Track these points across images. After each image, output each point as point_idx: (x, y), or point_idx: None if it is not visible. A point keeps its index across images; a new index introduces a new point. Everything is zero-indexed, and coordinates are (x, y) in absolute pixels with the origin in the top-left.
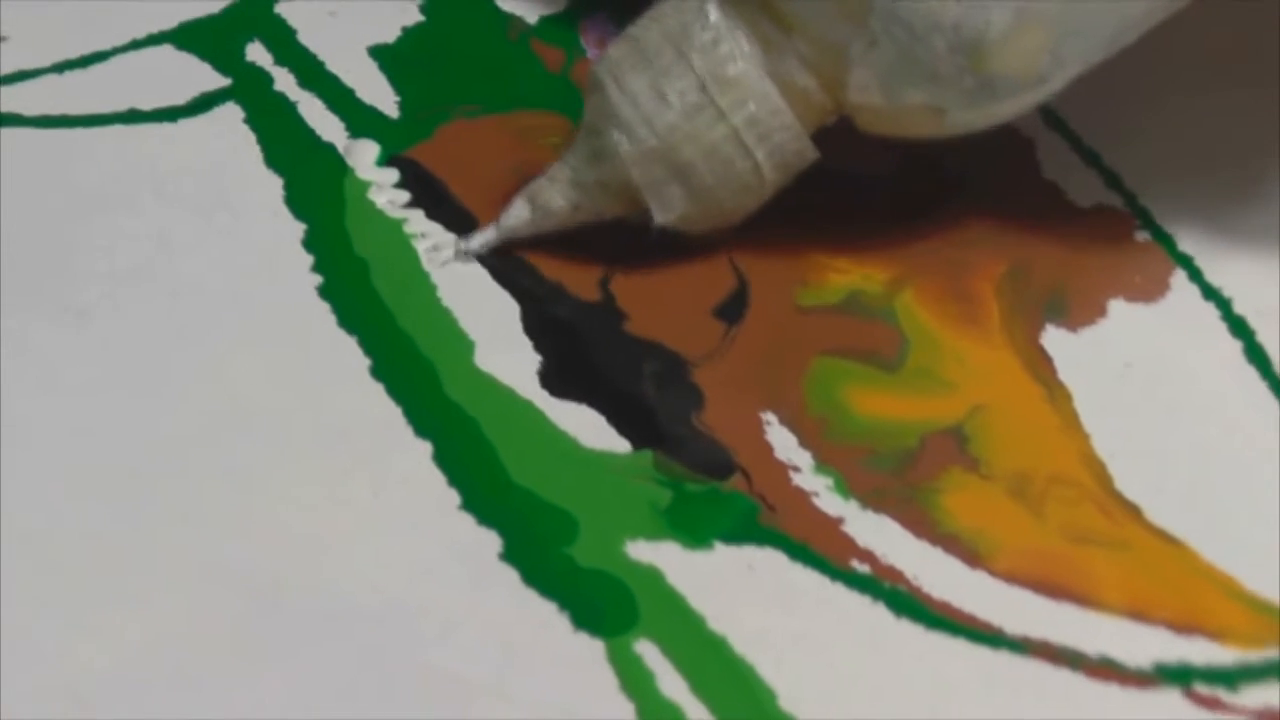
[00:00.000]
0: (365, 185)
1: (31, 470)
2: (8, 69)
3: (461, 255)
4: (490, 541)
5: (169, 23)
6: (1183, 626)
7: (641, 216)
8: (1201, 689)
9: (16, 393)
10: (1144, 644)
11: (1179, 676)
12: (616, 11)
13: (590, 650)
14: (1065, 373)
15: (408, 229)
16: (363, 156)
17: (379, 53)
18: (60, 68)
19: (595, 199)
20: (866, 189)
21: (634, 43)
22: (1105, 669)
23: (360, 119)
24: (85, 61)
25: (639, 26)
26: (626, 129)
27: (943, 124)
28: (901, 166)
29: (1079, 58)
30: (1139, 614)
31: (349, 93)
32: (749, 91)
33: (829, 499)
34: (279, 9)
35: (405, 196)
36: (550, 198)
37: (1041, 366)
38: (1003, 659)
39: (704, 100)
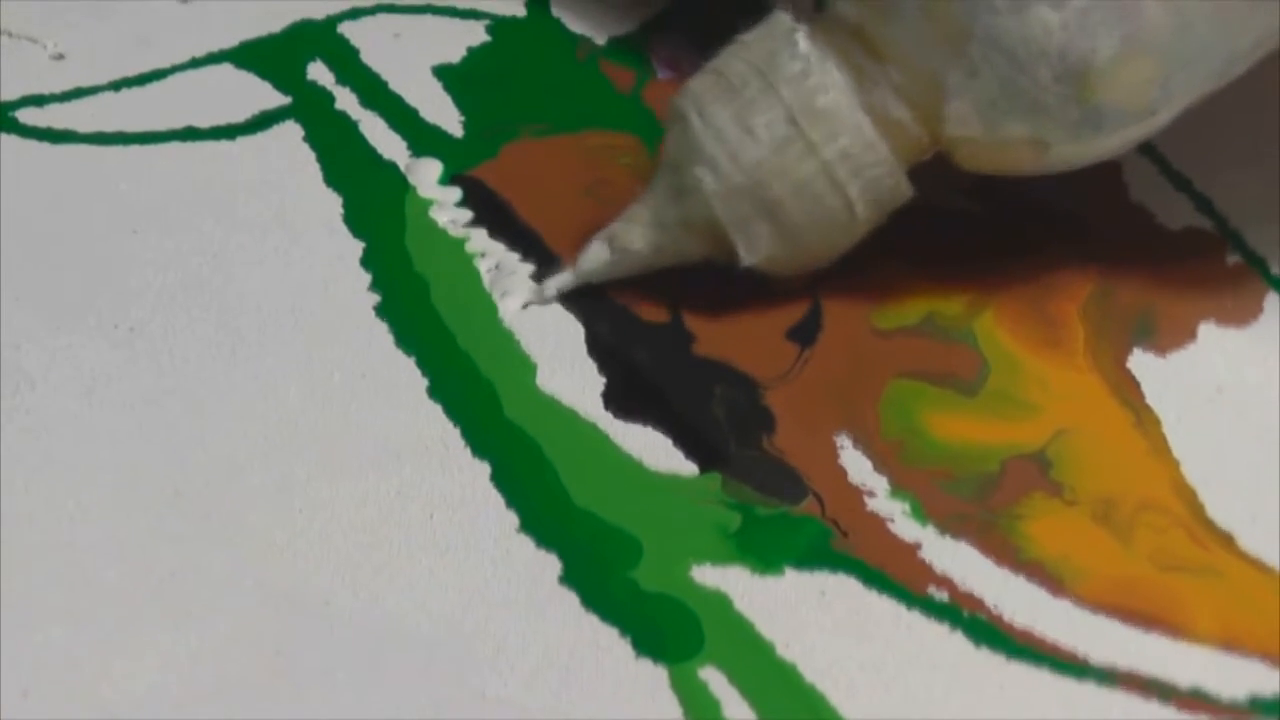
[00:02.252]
0: (427, 204)
1: (80, 486)
2: (65, 86)
3: (539, 299)
4: (549, 564)
5: (229, 42)
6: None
7: (727, 258)
8: None
9: (68, 407)
10: (1238, 675)
11: (1275, 709)
12: (689, 33)
13: (653, 677)
14: (1154, 397)
15: (469, 248)
16: (425, 175)
17: (444, 73)
18: (117, 85)
19: (678, 239)
20: (945, 208)
21: (718, 74)
22: (1197, 701)
23: (423, 138)
24: (143, 80)
25: (722, 58)
26: (711, 164)
27: (1045, 158)
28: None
29: (1188, 89)
30: (1232, 644)
31: (412, 112)
32: (841, 124)
33: (905, 524)
34: (342, 29)
35: (468, 215)
36: (630, 239)
37: (1129, 390)
38: (1088, 690)
39: (793, 133)
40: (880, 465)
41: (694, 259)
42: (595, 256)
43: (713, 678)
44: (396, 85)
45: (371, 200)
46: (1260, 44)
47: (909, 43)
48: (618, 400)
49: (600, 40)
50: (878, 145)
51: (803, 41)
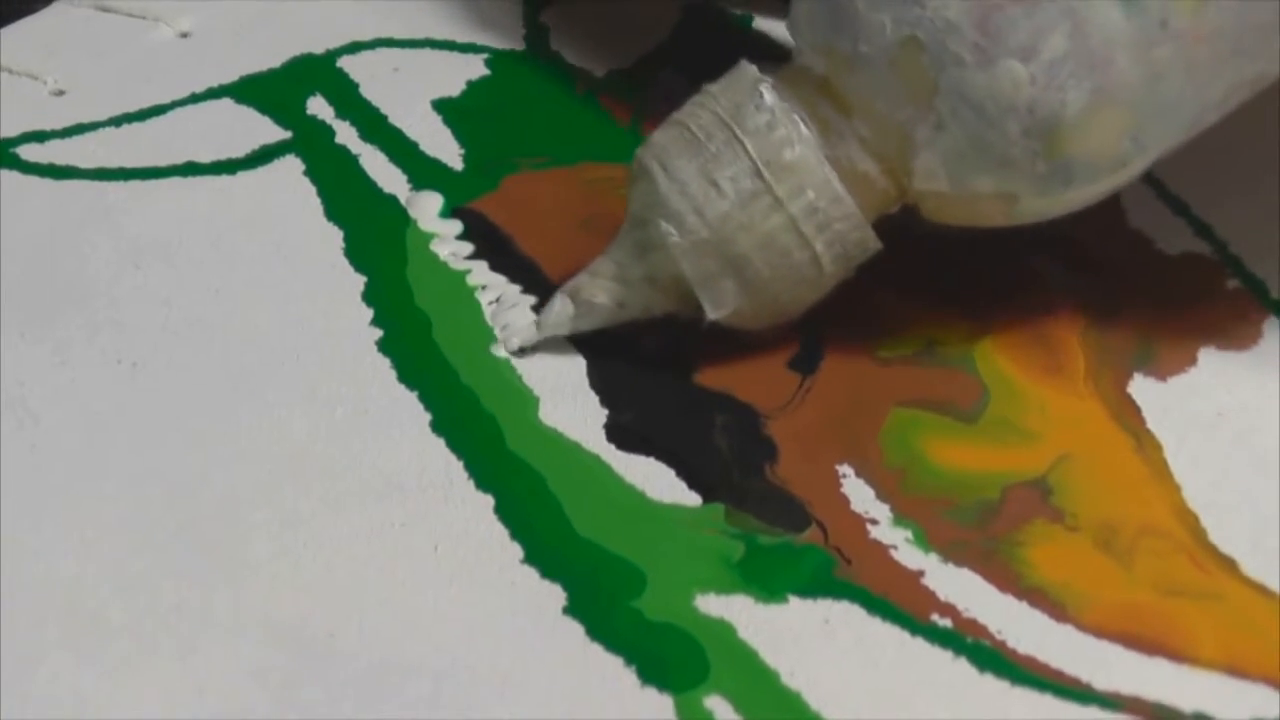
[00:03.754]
0: (428, 237)
1: (85, 521)
2: (66, 122)
3: (505, 349)
4: (554, 595)
5: (229, 76)
6: None
7: (692, 312)
8: None
9: (72, 442)
10: (1241, 699)
11: None
12: (687, 66)
13: (658, 706)
14: (1155, 422)
15: (471, 281)
16: (426, 208)
17: (443, 106)
18: (118, 121)
19: (642, 295)
20: (944, 236)
21: (682, 127)
22: None
23: (423, 171)
24: (144, 115)
25: (687, 109)
26: (675, 219)
27: (1014, 212)
28: None
29: (1160, 140)
30: (1236, 669)
31: (412, 145)
32: (807, 178)
33: (908, 552)
34: (341, 63)
35: (469, 248)
36: (594, 294)
37: (1130, 416)
38: (1092, 716)
39: (759, 187)
40: (882, 494)
41: (659, 314)
42: (559, 312)
43: (718, 706)
44: (396, 119)
45: (372, 234)
46: (1232, 93)
47: (876, 95)
48: (620, 432)
49: (599, 73)
50: (844, 199)
51: (768, 94)
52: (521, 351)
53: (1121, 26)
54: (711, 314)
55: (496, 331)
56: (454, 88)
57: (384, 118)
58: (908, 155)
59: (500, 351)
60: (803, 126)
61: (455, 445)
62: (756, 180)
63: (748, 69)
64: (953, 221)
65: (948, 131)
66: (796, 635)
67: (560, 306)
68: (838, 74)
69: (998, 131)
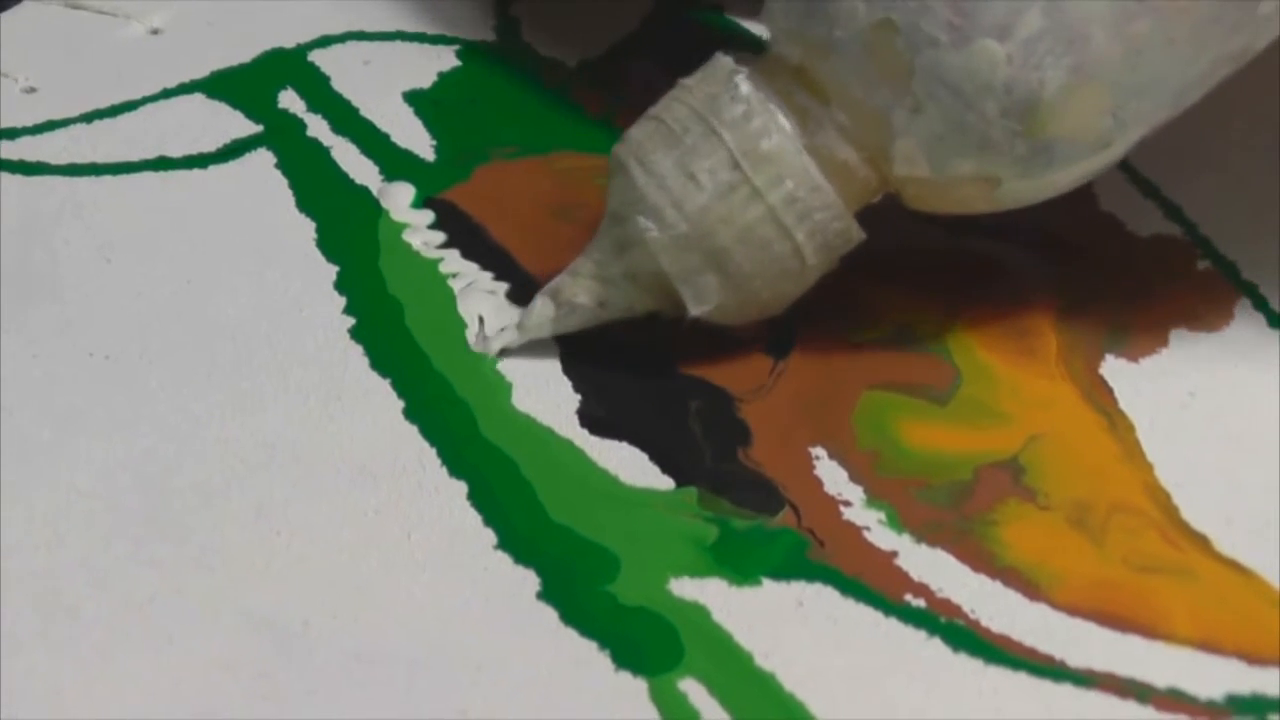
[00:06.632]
0: (400, 227)
1: (58, 512)
2: (37, 119)
3: (483, 349)
4: (528, 581)
5: (200, 72)
6: (1255, 657)
7: (675, 310)
8: None
9: (44, 435)
10: (1215, 675)
11: (1253, 708)
12: (659, 55)
13: (633, 690)
14: (1127, 403)
15: (443, 269)
16: (397, 199)
17: (415, 98)
18: (89, 117)
19: (623, 293)
20: (915, 219)
21: (658, 121)
22: (1175, 701)
23: (395, 162)
24: (114, 111)
25: (663, 104)
26: (654, 214)
27: (996, 196)
28: None
29: (1141, 119)
30: (1209, 644)
31: (384, 137)
32: (786, 167)
33: (881, 533)
34: (312, 57)
35: (441, 238)
36: (574, 294)
37: (1102, 397)
38: (1066, 693)
39: (737, 178)
40: (856, 475)
41: (641, 312)
42: (540, 313)
43: (692, 689)
44: (368, 111)
45: (345, 225)
46: (1215, 68)
47: (852, 81)
48: (593, 418)
49: (571, 64)
50: (824, 188)
51: (744, 84)
52: (503, 353)
53: (1098, 1)
54: (694, 310)
55: (468, 323)
56: (425, 80)
57: (355, 110)
58: (887, 141)
59: (473, 339)
60: (780, 116)
61: (428, 432)
62: (734, 172)
63: (723, 60)
64: (935, 209)
65: (926, 115)
66: (770, 617)
67: (541, 308)
68: (813, 61)
69: (976, 113)
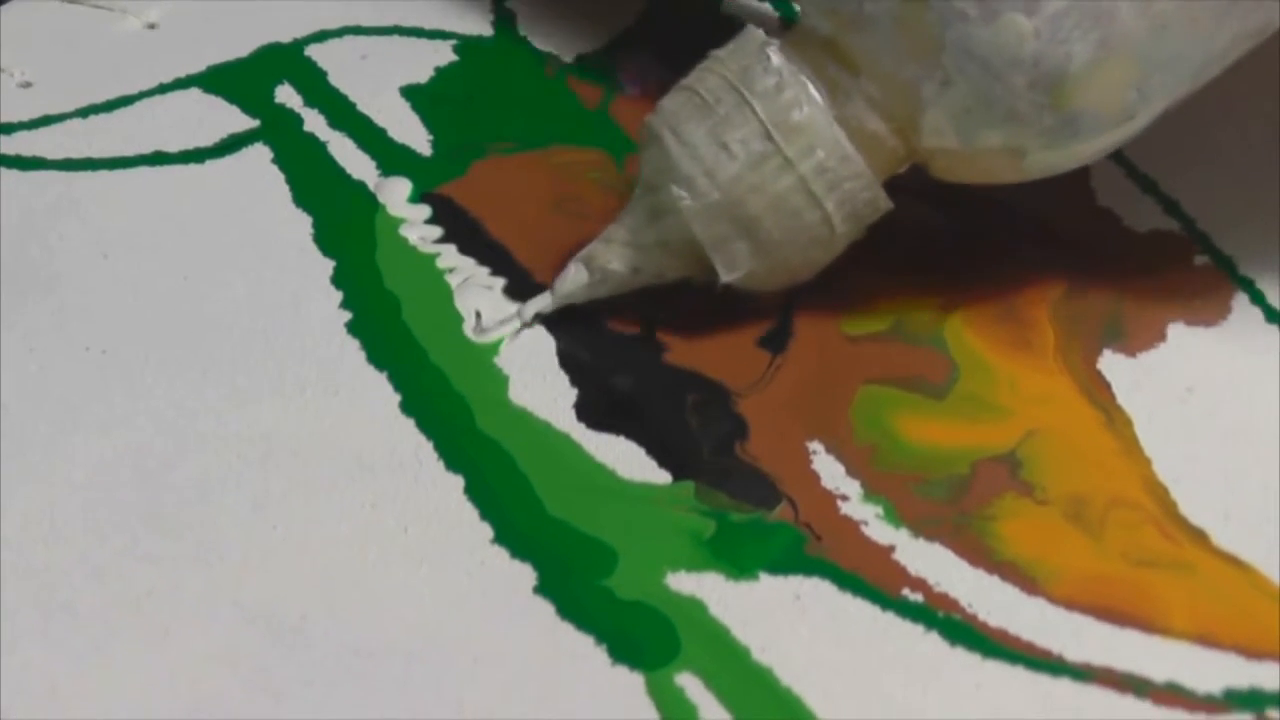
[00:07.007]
0: (397, 222)
1: (55, 507)
2: (33, 114)
3: (520, 322)
4: (525, 575)
5: (197, 66)
6: (1253, 651)
7: (705, 276)
8: (1275, 714)
9: (41, 429)
10: (1213, 669)
11: (1251, 702)
12: (655, 49)
13: (630, 684)
14: (1124, 398)
15: (440, 264)
16: (394, 194)
17: (411, 93)
18: (85, 112)
19: (656, 260)
20: (913, 213)
21: (691, 92)
22: (1173, 695)
23: (392, 157)
24: (111, 106)
25: (695, 75)
26: (687, 183)
27: (1022, 167)
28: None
29: (1165, 92)
30: (1207, 639)
31: (380, 132)
32: (817, 138)
33: (879, 527)
34: (309, 52)
35: (437, 232)
36: (608, 260)
37: (1099, 391)
38: (1064, 687)
39: (769, 149)
40: (853, 470)
41: (672, 278)
42: (574, 279)
43: (689, 683)
44: (365, 106)
45: (341, 219)
46: (1236, 44)
47: (882, 54)
48: (590, 412)
49: (567, 58)
50: (854, 158)
51: (775, 56)
52: (536, 319)
53: None
54: (725, 277)
55: (463, 313)
56: (422, 74)
57: (352, 105)
58: (916, 113)
59: (470, 332)
60: (810, 87)
61: (425, 426)
62: (766, 142)
63: (754, 32)
64: (963, 180)
65: (954, 87)
66: (767, 612)
67: (575, 274)
68: (844, 34)
69: (1004, 85)
